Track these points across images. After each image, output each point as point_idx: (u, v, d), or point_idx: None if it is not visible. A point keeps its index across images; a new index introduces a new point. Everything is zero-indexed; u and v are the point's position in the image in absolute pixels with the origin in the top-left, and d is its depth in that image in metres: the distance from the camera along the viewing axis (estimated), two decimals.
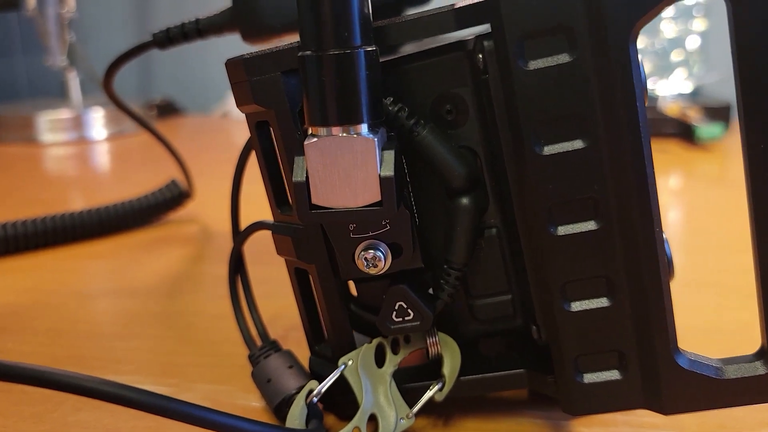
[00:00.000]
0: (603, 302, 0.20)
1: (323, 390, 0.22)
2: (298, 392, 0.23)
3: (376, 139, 0.19)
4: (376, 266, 0.21)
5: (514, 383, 0.23)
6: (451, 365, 0.23)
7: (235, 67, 0.22)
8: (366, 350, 0.23)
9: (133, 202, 0.47)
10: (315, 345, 0.25)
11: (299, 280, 0.24)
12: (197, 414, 0.17)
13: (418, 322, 0.22)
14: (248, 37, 0.31)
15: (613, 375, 0.20)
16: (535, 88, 0.18)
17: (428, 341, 0.23)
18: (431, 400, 0.23)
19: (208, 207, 0.52)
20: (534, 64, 0.18)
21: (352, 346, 0.23)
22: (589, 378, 0.20)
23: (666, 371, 0.19)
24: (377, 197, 0.19)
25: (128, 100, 1.00)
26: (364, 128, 0.19)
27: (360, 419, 0.22)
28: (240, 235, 0.28)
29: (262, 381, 0.25)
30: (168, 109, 1.01)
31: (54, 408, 0.25)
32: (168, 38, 0.32)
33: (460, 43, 0.22)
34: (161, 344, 0.30)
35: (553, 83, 0.18)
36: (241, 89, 0.22)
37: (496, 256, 0.23)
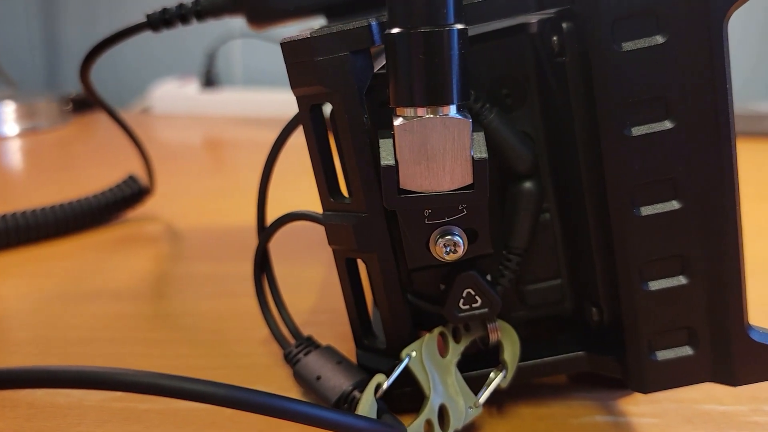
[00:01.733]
0: (680, 280, 0.20)
1: (391, 383, 0.21)
2: (355, 388, 0.23)
3: (471, 120, 0.18)
4: (455, 252, 0.20)
5: (574, 366, 0.23)
6: (511, 351, 0.23)
7: (295, 46, 0.20)
8: (429, 340, 0.22)
9: (90, 199, 0.43)
10: (364, 338, 0.24)
11: (349, 271, 0.23)
12: (313, 413, 0.16)
13: (487, 309, 0.22)
14: (255, 20, 0.30)
15: (685, 351, 0.21)
16: (627, 70, 0.18)
17: (488, 327, 0.23)
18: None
19: (163, 204, 0.49)
20: (627, 46, 0.18)
21: (411, 338, 0.23)
22: (662, 355, 0.21)
23: (739, 345, 0.20)
24: (468, 180, 0.19)
25: (37, 93, 0.94)
26: (453, 109, 0.18)
27: (430, 411, 0.21)
28: (268, 229, 0.26)
29: (309, 378, 0.24)
30: (84, 104, 0.94)
31: (77, 421, 0.23)
32: (163, 20, 0.30)
33: (522, 26, 0.22)
34: (169, 347, 0.28)
35: (646, 65, 0.18)
36: (301, 69, 0.21)
37: (548, 240, 0.24)
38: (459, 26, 0.18)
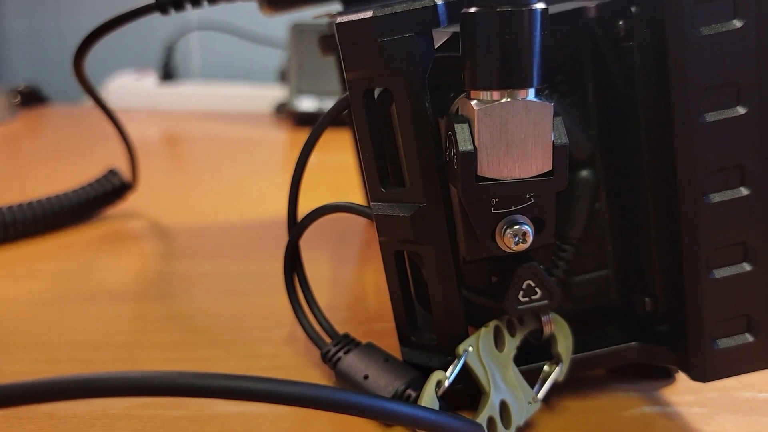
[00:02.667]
0: (744, 268, 0.20)
1: (453, 379, 0.21)
2: (409, 386, 0.22)
3: (553, 105, 0.18)
4: (525, 242, 0.19)
5: (626, 357, 0.23)
6: (565, 344, 0.22)
7: (355, 26, 0.19)
8: (485, 334, 0.21)
9: (69, 195, 0.41)
10: (411, 335, 0.23)
11: (398, 265, 0.22)
12: (402, 411, 0.15)
13: (547, 301, 0.21)
14: (273, 4, 0.28)
15: (745, 338, 0.21)
16: (704, 55, 0.18)
17: (543, 320, 0.22)
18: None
19: (142, 200, 0.46)
20: (704, 31, 0.18)
21: (465, 333, 0.22)
22: (724, 343, 0.21)
23: None
24: (548, 167, 0.18)
25: None
26: (532, 93, 0.18)
27: (491, 408, 0.21)
28: (300, 223, 0.25)
29: (355, 377, 0.23)
30: (33, 97, 0.89)
31: None
32: (174, 2, 0.28)
33: (579, 11, 0.21)
34: (188, 351, 0.27)
35: (723, 50, 0.18)
36: (359, 51, 0.19)
37: (598, 230, 0.23)
38: (541, 5, 0.17)
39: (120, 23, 0.30)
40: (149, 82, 0.93)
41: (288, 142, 0.74)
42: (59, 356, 0.26)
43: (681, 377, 0.25)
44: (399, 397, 0.21)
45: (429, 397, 0.20)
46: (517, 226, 0.19)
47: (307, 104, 0.80)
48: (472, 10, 0.17)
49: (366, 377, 0.22)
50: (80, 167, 0.56)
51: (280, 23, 1.02)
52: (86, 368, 0.25)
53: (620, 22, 0.20)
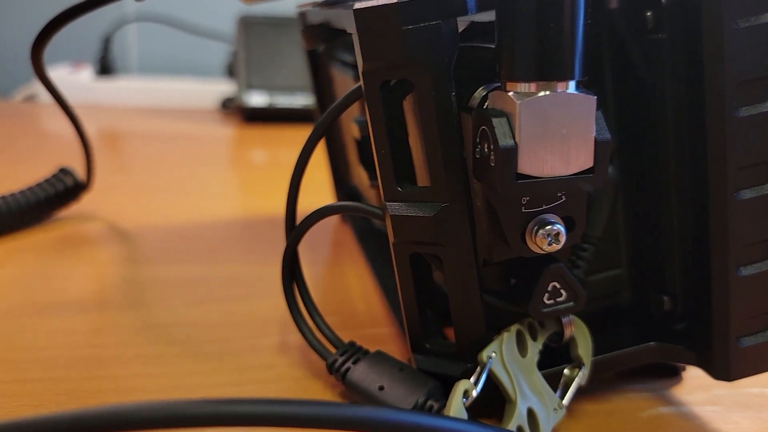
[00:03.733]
0: None
1: (480, 388, 0.19)
2: (429, 397, 0.20)
3: (596, 98, 0.17)
4: (558, 242, 0.19)
5: (644, 357, 0.22)
6: (585, 346, 0.22)
7: (377, 12, 0.18)
8: (508, 340, 0.20)
9: (17, 196, 0.37)
10: (425, 342, 0.22)
11: (413, 269, 0.21)
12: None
13: (572, 303, 0.20)
14: None
15: (767, 336, 0.21)
16: (742, 48, 0.18)
17: (563, 322, 0.21)
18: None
19: (94, 201, 0.43)
20: (742, 23, 0.18)
21: (485, 338, 0.21)
22: (747, 341, 0.20)
23: None
24: (589, 163, 0.17)
25: None
26: (572, 85, 0.17)
27: (519, 416, 0.20)
28: (300, 226, 0.23)
29: (368, 389, 0.21)
30: None
31: None
32: None
33: (599, 2, 0.21)
34: (171, 364, 0.24)
35: (759, 42, 0.18)
36: (380, 39, 0.18)
37: (614, 228, 0.23)
38: None
39: (87, 8, 0.27)
40: (85, 75, 0.88)
41: (237, 138, 0.72)
42: (28, 375, 0.23)
43: (687, 376, 0.25)
44: (420, 408, 0.20)
45: (456, 408, 0.19)
46: (549, 226, 0.18)
47: (257, 99, 0.77)
48: None
49: (381, 388, 0.21)
50: (22, 167, 0.52)
51: (224, 15, 0.99)
52: (61, 388, 0.23)
53: (648, 14, 0.19)
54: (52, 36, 0.29)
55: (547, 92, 0.16)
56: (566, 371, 0.22)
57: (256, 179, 0.54)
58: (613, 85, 0.21)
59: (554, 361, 0.22)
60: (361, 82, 0.20)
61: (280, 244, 0.38)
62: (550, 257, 0.20)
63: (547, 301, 0.20)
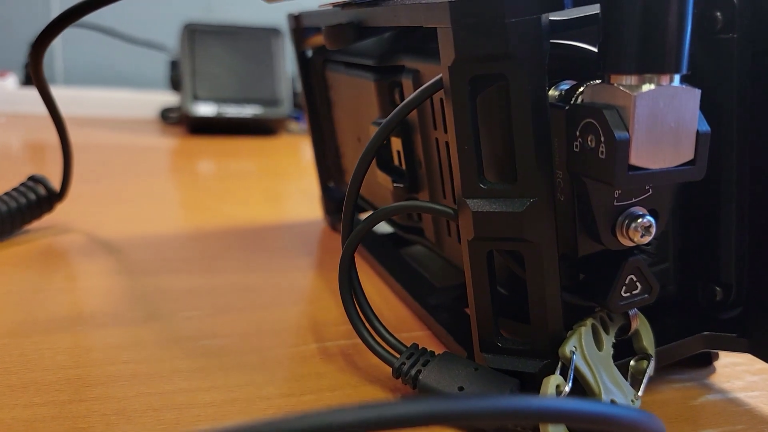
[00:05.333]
0: None
1: (571, 383, 0.19)
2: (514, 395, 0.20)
3: (700, 91, 0.17)
4: (650, 234, 0.19)
5: (696, 347, 0.23)
6: (648, 338, 0.22)
7: (476, 4, 0.18)
8: (585, 334, 0.21)
9: None
10: (497, 340, 0.22)
11: (489, 267, 0.21)
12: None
13: (647, 295, 0.21)
14: None
15: None
16: None
17: (630, 315, 0.22)
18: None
19: (63, 212, 0.40)
20: None
21: (562, 334, 0.21)
22: None
23: None
24: (690, 155, 0.18)
25: None
26: (677, 78, 0.17)
27: None
28: (360, 227, 0.22)
29: (447, 390, 0.21)
30: None
31: None
32: None
33: None
34: (216, 378, 0.23)
35: None
36: (478, 33, 0.18)
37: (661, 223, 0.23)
38: None
39: (85, 11, 0.25)
40: (9, 84, 0.82)
41: (186, 148, 0.69)
42: (63, 397, 0.21)
43: (717, 365, 0.26)
44: None
45: None
46: (641, 219, 0.19)
47: (204, 109, 0.75)
48: None
49: (461, 389, 0.21)
50: None
51: (160, 24, 0.95)
52: (109, 407, 0.21)
53: (717, 13, 0.20)
54: (51, 40, 0.27)
55: (655, 85, 0.17)
56: (633, 363, 0.22)
57: (223, 187, 0.52)
58: None
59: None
60: (445, 77, 0.19)
61: (277, 250, 0.37)
62: (627, 251, 0.20)
63: (624, 294, 0.20)
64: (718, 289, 0.23)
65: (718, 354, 0.26)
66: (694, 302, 0.24)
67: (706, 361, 0.26)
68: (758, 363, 0.26)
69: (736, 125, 0.21)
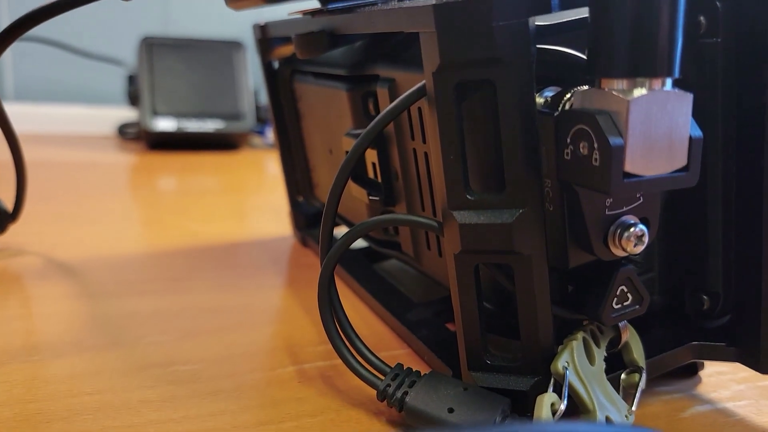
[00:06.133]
0: None
1: (566, 400, 0.19)
2: (507, 416, 0.19)
3: (692, 95, 0.17)
4: (643, 243, 0.18)
5: (685, 357, 0.23)
6: (638, 351, 0.22)
7: (464, 9, 0.17)
8: (577, 348, 0.20)
9: None
10: (485, 357, 0.21)
11: (477, 282, 0.20)
12: None
13: (638, 306, 0.20)
14: None
15: None
16: None
17: (620, 327, 0.21)
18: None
19: (14, 233, 0.38)
20: None
21: (553, 349, 0.20)
22: None
23: None
24: (683, 162, 0.17)
25: None
26: (669, 82, 0.17)
27: None
28: (338, 244, 0.21)
29: (436, 413, 0.20)
30: None
31: None
32: None
33: None
34: (190, 407, 0.22)
35: None
36: (464, 37, 0.17)
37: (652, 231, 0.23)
38: None
39: (69, 6, 0.24)
40: None
41: (146, 164, 0.67)
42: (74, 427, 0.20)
43: (703, 374, 0.26)
44: None
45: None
46: (633, 228, 0.18)
47: (164, 124, 0.73)
48: None
49: (451, 410, 0.20)
50: None
51: (111, 37, 0.93)
52: None
53: (701, 17, 0.20)
54: (7, 46, 0.26)
55: (649, 90, 0.16)
56: (624, 376, 0.21)
57: (186, 204, 0.50)
58: None
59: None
60: (429, 83, 0.19)
61: (246, 268, 0.36)
62: (617, 261, 0.20)
63: (615, 306, 0.20)
64: (705, 297, 0.22)
65: (703, 364, 0.26)
66: (681, 312, 0.23)
67: (691, 371, 0.26)
68: (743, 371, 0.26)
69: (722, 131, 0.20)
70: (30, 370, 0.23)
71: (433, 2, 0.17)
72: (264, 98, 0.77)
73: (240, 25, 0.96)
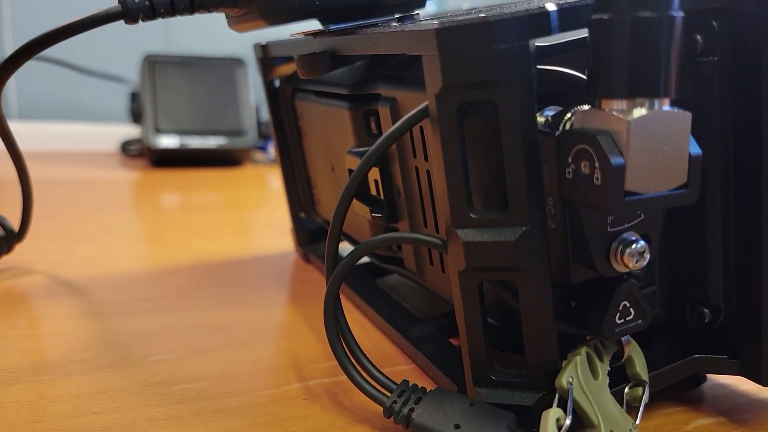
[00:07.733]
0: None
1: (571, 415, 0.19)
2: (513, 431, 0.19)
3: (691, 114, 0.17)
4: (644, 260, 0.19)
5: (688, 370, 0.23)
6: (641, 364, 0.22)
7: (466, 32, 0.17)
8: (581, 363, 0.20)
9: None
10: (491, 373, 0.21)
11: (480, 298, 0.20)
12: None
13: (640, 321, 0.20)
14: (265, 17, 0.25)
15: None
16: None
17: (623, 341, 0.21)
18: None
19: (20, 252, 0.39)
20: None
21: (557, 364, 0.20)
22: None
23: None
24: (683, 179, 0.17)
25: None
26: (667, 102, 0.17)
27: None
28: (346, 261, 0.22)
29: (444, 428, 0.20)
30: None
31: None
32: (146, 8, 0.24)
33: None
34: (196, 425, 0.22)
35: None
36: (467, 59, 0.18)
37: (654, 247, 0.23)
38: (681, 13, 0.17)
39: (66, 35, 0.24)
40: None
41: (149, 181, 0.67)
42: None
43: (705, 386, 0.26)
44: None
45: None
46: (635, 245, 0.19)
47: (167, 141, 0.73)
48: (606, 16, 0.16)
49: (457, 426, 0.20)
50: None
51: (113, 55, 0.93)
52: None
53: (698, 36, 0.20)
54: (9, 77, 0.26)
55: (648, 109, 0.16)
56: (627, 390, 0.22)
57: (189, 221, 0.50)
58: None
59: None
60: (432, 105, 0.19)
61: (250, 285, 0.36)
62: (619, 277, 0.20)
63: (618, 321, 0.20)
64: (706, 311, 0.23)
65: (706, 376, 0.26)
66: (682, 325, 0.24)
67: (694, 384, 0.26)
68: (745, 384, 0.26)
69: (719, 147, 0.21)
70: (37, 389, 0.24)
71: (436, 26, 0.18)
72: (265, 114, 0.78)
73: (240, 43, 0.97)
